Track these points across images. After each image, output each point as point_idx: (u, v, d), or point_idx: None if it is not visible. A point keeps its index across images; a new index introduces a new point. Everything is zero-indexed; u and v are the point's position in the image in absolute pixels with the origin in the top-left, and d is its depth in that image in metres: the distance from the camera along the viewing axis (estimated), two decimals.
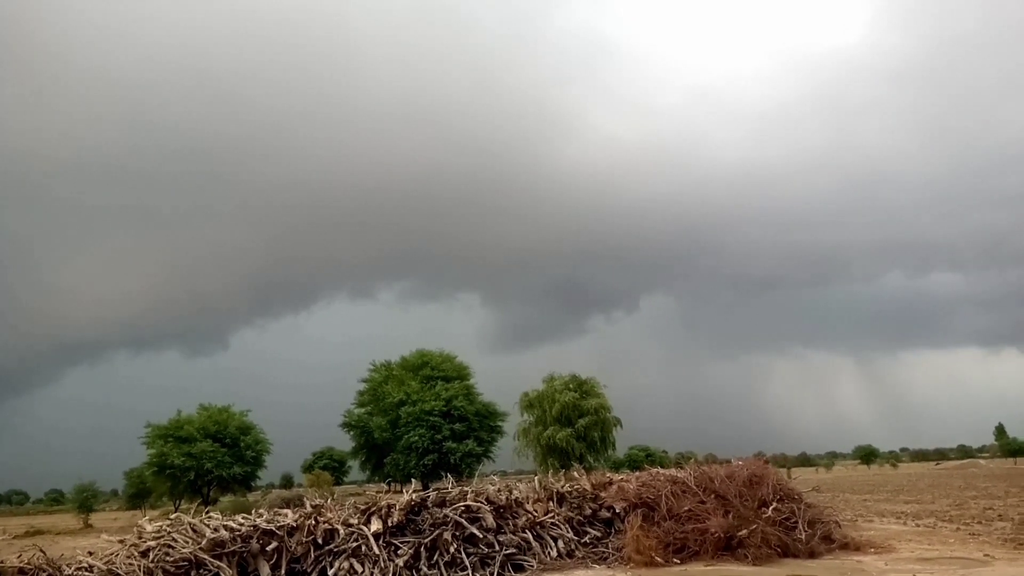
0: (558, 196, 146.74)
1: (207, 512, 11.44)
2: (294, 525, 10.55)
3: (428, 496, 11.45)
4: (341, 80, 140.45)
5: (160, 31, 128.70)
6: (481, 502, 11.38)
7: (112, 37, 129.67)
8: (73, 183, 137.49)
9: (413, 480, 14.34)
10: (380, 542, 10.47)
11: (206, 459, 34.95)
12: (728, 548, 11.08)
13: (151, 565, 9.65)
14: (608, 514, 12.37)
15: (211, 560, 9.72)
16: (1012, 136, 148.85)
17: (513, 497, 11.96)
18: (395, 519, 10.79)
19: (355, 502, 12.00)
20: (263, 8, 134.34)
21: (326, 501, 11.80)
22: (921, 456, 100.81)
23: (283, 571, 10.06)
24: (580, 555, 11.48)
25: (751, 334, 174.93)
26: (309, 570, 10.17)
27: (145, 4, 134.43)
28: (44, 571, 9.95)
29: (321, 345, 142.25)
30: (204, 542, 9.86)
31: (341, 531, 10.56)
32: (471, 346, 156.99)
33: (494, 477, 13.62)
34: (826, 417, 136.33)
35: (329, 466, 58.26)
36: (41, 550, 10.44)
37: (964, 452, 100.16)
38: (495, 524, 11.17)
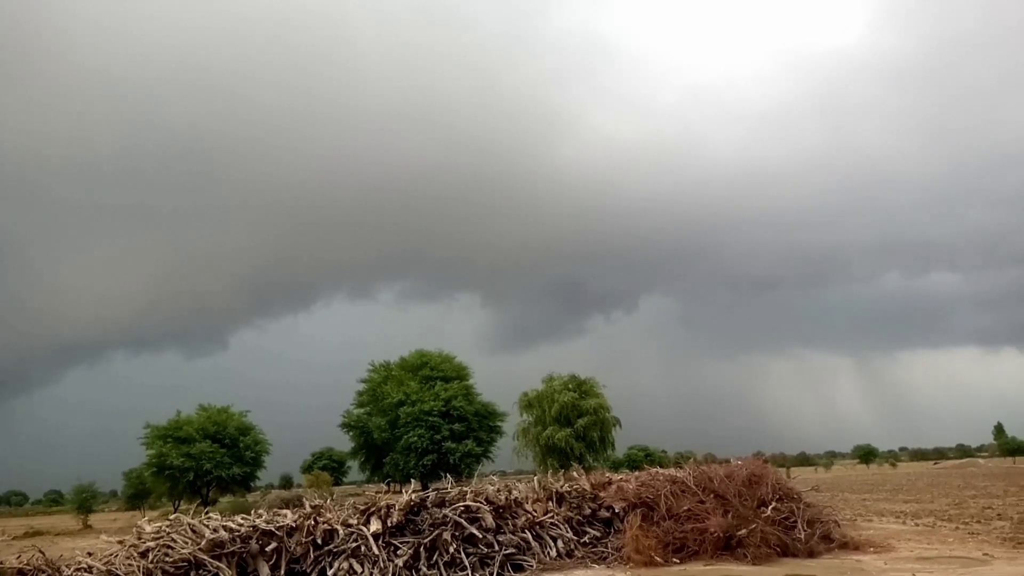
0: (557, 196, 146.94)
1: (206, 513, 11.44)
2: (293, 525, 10.55)
3: (427, 496, 11.45)
4: (340, 80, 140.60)
5: (160, 31, 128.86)
6: (480, 502, 11.38)
7: (112, 37, 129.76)
8: (72, 183, 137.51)
9: (412, 480, 14.34)
10: (379, 542, 10.47)
11: (205, 460, 34.93)
12: (727, 548, 11.08)
13: (150, 566, 9.65)
14: (607, 514, 12.37)
15: (210, 561, 9.72)
16: (1011, 136, 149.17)
17: (512, 497, 11.97)
18: (394, 519, 10.79)
19: (354, 502, 12.01)
20: (262, 8, 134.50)
21: (325, 501, 11.81)
22: (920, 455, 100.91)
23: (282, 571, 10.06)
24: (579, 555, 11.49)
25: (750, 334, 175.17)
26: (308, 570, 10.17)
27: (144, 4, 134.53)
28: (43, 572, 9.96)
29: (320, 345, 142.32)
30: (203, 543, 9.86)
31: (340, 531, 10.56)
32: (470, 346, 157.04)
33: (493, 477, 13.62)
34: (825, 417, 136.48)
35: (328, 466, 58.24)
36: (40, 551, 10.44)
37: (963, 451, 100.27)
38: (494, 524, 11.17)
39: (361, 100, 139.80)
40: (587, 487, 12.89)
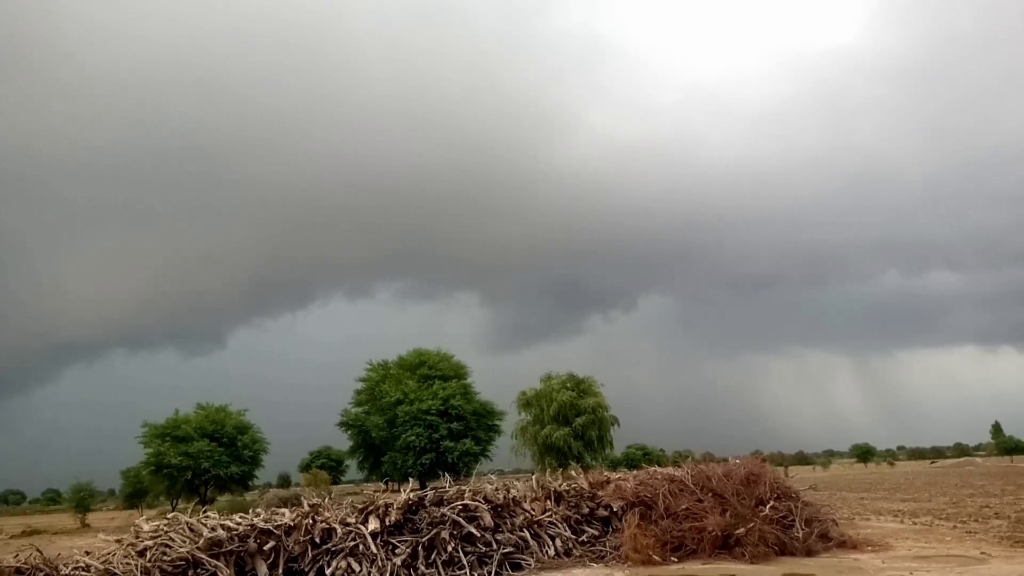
0: (555, 195, 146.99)
1: (204, 511, 11.43)
2: (291, 524, 10.54)
3: (426, 495, 11.45)
4: (338, 79, 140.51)
5: (158, 30, 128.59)
6: (479, 501, 11.39)
7: (111, 36, 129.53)
8: (70, 182, 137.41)
9: (410, 479, 14.34)
10: (378, 541, 10.47)
11: (203, 458, 34.90)
12: (725, 546, 11.10)
13: (148, 565, 9.64)
14: (606, 513, 12.38)
15: (208, 559, 9.71)
16: (1009, 136, 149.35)
17: (511, 496, 11.97)
18: (393, 518, 10.79)
19: (352, 501, 12.00)
20: (261, 7, 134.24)
21: (323, 500, 11.79)
22: (918, 454, 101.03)
23: (281, 570, 10.05)
24: (578, 554, 11.49)
25: (748, 333, 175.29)
26: (307, 569, 10.16)
27: (144, 4, 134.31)
28: (41, 571, 9.94)
29: (318, 344, 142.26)
30: (201, 541, 9.85)
31: (339, 530, 10.56)
32: (468, 345, 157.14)
33: (492, 476, 13.62)
34: (823, 416, 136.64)
35: (326, 465, 58.22)
36: (38, 550, 10.42)
37: (961, 450, 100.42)
38: (493, 523, 11.17)
39: (359, 99, 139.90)
40: (585, 486, 12.90)
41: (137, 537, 10.41)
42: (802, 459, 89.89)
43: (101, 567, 9.76)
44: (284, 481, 65.58)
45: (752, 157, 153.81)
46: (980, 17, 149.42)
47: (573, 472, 14.20)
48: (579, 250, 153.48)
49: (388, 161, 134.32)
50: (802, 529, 11.45)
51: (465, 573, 10.39)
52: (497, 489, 12.10)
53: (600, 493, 12.71)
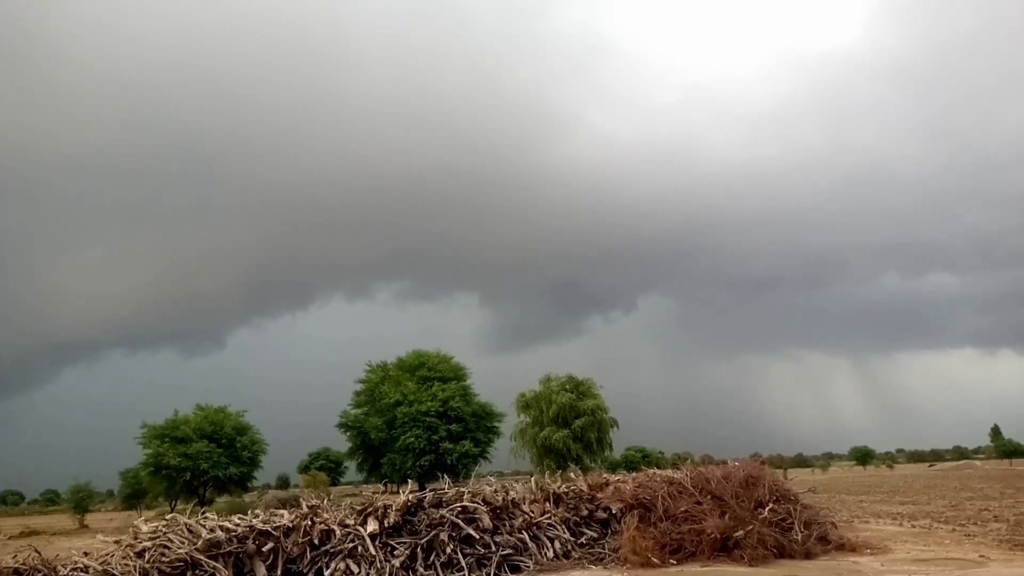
0: (555, 196, 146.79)
1: (203, 513, 11.42)
2: (290, 526, 10.54)
3: (424, 497, 11.44)
4: (337, 79, 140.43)
5: (158, 30, 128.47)
6: (478, 503, 11.38)
7: (110, 36, 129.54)
8: (69, 181, 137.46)
9: (410, 481, 14.34)
10: (376, 543, 10.46)
11: (202, 459, 34.92)
12: (724, 549, 11.09)
13: (147, 566, 9.63)
14: (604, 515, 12.37)
15: (207, 561, 9.71)
16: (1010, 137, 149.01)
17: (510, 498, 11.96)
18: (391, 520, 10.78)
19: (351, 503, 11.99)
20: (260, 7, 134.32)
21: (322, 502, 11.79)
22: (917, 457, 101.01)
23: (279, 572, 10.04)
24: (576, 556, 11.48)
25: (747, 335, 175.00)
26: (305, 571, 10.16)
27: (143, 3, 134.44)
28: (39, 572, 9.94)
29: (318, 345, 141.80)
30: (200, 543, 9.85)
31: (337, 532, 10.56)
32: (468, 346, 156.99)
33: (491, 478, 13.61)
34: (822, 418, 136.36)
35: (325, 467, 58.32)
36: (36, 550, 10.43)
37: (960, 453, 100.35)
38: (492, 525, 11.16)
39: (359, 99, 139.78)
40: (584, 488, 12.89)
41: (136, 538, 10.41)
42: (801, 461, 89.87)
43: (99, 568, 9.76)
44: (283, 482, 65.53)
45: (752, 158, 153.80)
46: (980, 18, 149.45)
47: (572, 474, 14.18)
48: (579, 251, 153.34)
49: (388, 161, 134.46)
50: (801, 532, 11.45)
51: (464, 575, 10.39)
52: (496, 491, 12.09)
53: (599, 495, 12.70)
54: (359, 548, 10.36)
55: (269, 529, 10.35)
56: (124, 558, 9.89)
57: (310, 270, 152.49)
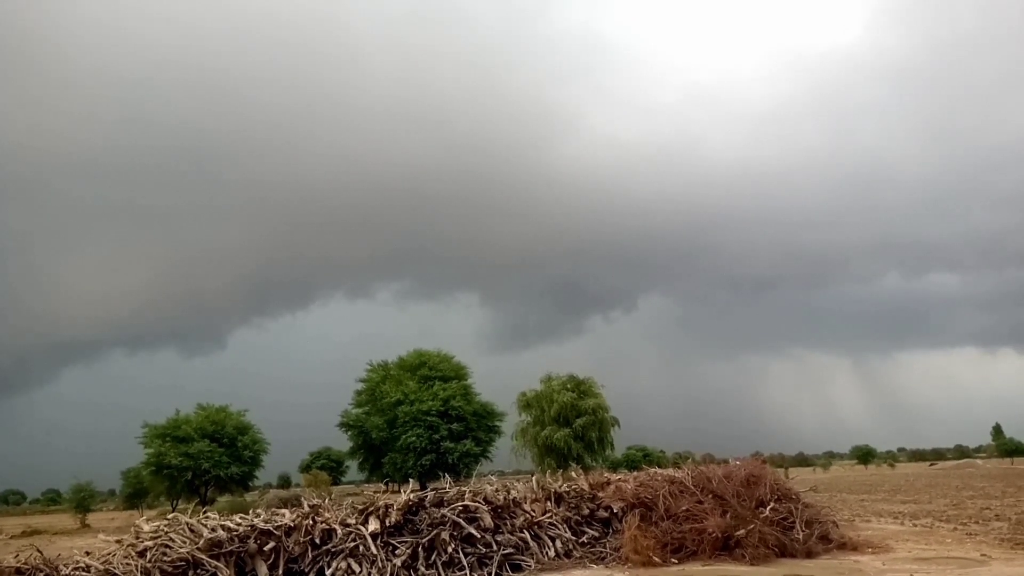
0: (556, 196, 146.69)
1: (204, 512, 11.43)
2: (292, 525, 10.54)
3: (426, 496, 11.45)
4: (338, 79, 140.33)
5: (158, 29, 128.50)
6: (479, 502, 11.38)
7: (111, 35, 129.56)
8: (70, 181, 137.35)
9: (411, 480, 14.34)
10: (378, 542, 10.47)
11: (203, 459, 34.92)
12: (726, 548, 11.09)
13: (148, 565, 9.64)
14: (606, 514, 12.37)
15: (208, 560, 9.71)
16: (1010, 136, 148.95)
17: (511, 497, 11.97)
18: (393, 519, 10.79)
19: (353, 502, 12.00)
20: (261, 7, 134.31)
21: (324, 501, 11.79)
22: (918, 456, 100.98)
23: (281, 571, 10.05)
24: (578, 555, 11.49)
25: (748, 334, 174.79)
26: (307, 570, 10.17)
27: (143, 3, 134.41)
28: (41, 571, 9.94)
29: (318, 345, 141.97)
30: (201, 542, 9.85)
31: (339, 531, 10.56)
32: (469, 346, 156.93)
33: (492, 477, 13.62)
34: (823, 417, 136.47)
35: (327, 466, 58.24)
36: (38, 550, 10.43)
37: (961, 452, 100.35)
38: (493, 524, 11.17)
39: (360, 99, 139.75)
40: (585, 487, 12.89)
41: (137, 537, 10.42)
42: (802, 460, 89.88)
43: (101, 567, 9.76)
44: (284, 482, 65.59)
45: (752, 157, 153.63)
46: (981, 18, 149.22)
47: (573, 473, 14.19)
48: (579, 250, 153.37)
49: (388, 161, 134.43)
50: (802, 531, 11.45)
51: (465, 574, 10.39)
52: (497, 490, 12.10)
53: (600, 494, 12.71)
54: (360, 547, 10.36)
55: (271, 528, 10.35)
56: (126, 557, 9.89)
57: (311, 270, 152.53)
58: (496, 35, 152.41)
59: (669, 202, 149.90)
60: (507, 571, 10.81)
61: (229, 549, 9.92)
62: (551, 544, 11.53)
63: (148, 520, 11.29)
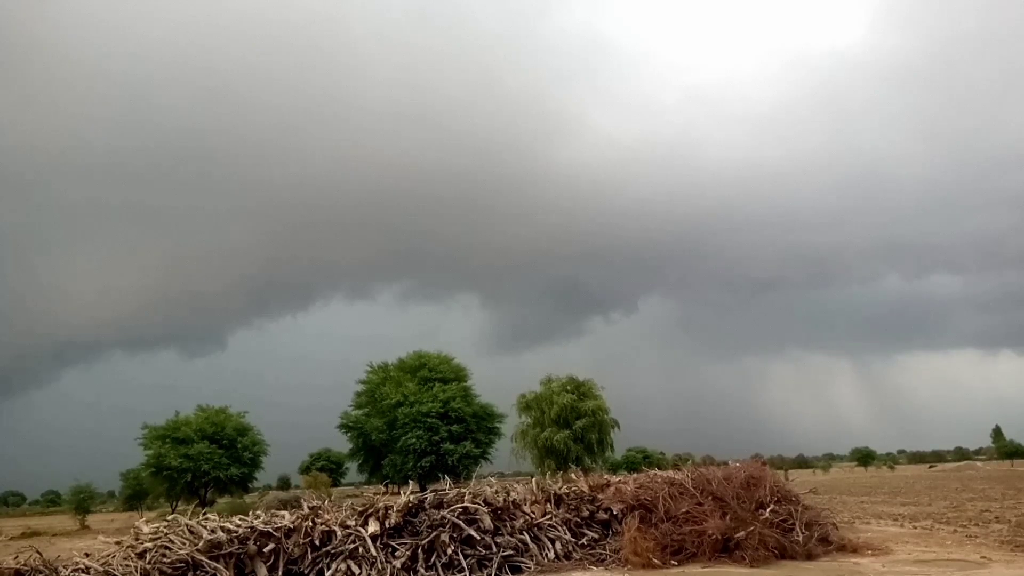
0: (556, 197, 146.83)
1: (204, 514, 11.43)
2: (291, 527, 10.54)
3: (425, 498, 11.44)
4: (339, 79, 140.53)
5: (159, 30, 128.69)
6: (479, 504, 11.38)
7: (111, 35, 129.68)
8: (70, 181, 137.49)
9: (411, 482, 14.34)
10: (377, 544, 10.47)
11: (203, 460, 34.89)
12: (725, 550, 11.09)
13: (148, 567, 9.63)
14: (605, 516, 12.37)
15: (208, 562, 9.71)
16: (1012, 138, 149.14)
17: (511, 499, 11.96)
18: (392, 521, 10.79)
19: (352, 504, 12.00)
20: (261, 7, 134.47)
21: (323, 503, 11.79)
22: (918, 458, 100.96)
23: (280, 573, 10.05)
24: (577, 557, 11.48)
25: (749, 336, 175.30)
26: (306, 572, 10.16)
27: (143, 3, 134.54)
28: (41, 572, 9.95)
29: (318, 346, 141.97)
30: (201, 544, 9.85)
31: (338, 533, 10.56)
32: (469, 347, 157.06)
33: (492, 479, 13.62)
34: (823, 419, 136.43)
35: (326, 467, 58.22)
36: (38, 551, 10.43)
37: (961, 454, 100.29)
38: (493, 526, 11.16)
39: (360, 100, 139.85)
40: (585, 489, 12.89)
41: (137, 539, 10.42)
42: (802, 462, 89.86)
43: (101, 569, 9.76)
44: (284, 483, 65.43)
45: (753, 158, 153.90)
46: (982, 19, 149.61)
47: (573, 475, 14.18)
48: (580, 252, 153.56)
49: (389, 162, 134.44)
50: (802, 533, 11.44)
51: None
52: (497, 492, 12.10)
53: (600, 496, 12.71)
54: (360, 549, 10.36)
55: (270, 530, 10.35)
56: (125, 559, 9.89)
57: (311, 271, 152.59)
58: (497, 36, 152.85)
59: (670, 203, 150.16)
60: (507, 573, 10.80)
61: (229, 551, 9.92)
62: (551, 546, 11.52)
63: (148, 521, 11.29)
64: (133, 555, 9.94)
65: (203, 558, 9.72)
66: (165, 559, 9.74)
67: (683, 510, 11.72)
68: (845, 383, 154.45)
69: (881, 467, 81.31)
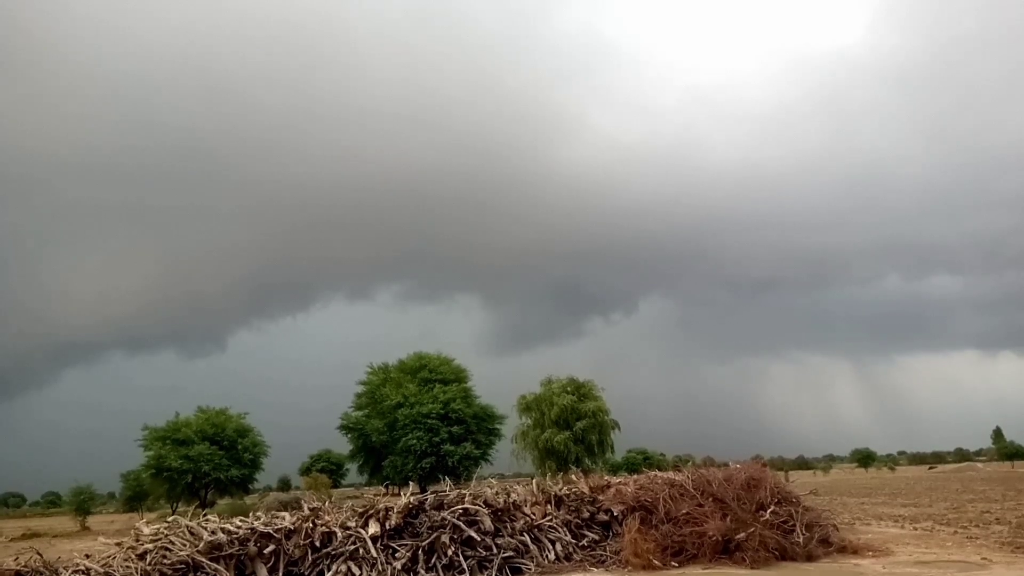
0: (557, 197, 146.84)
1: (204, 515, 11.43)
2: (292, 528, 10.54)
3: (426, 499, 11.44)
4: (339, 79, 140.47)
5: (159, 30, 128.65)
6: (479, 505, 11.38)
7: (111, 36, 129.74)
8: (70, 182, 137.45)
9: (411, 483, 14.33)
10: (378, 545, 10.47)
11: (203, 462, 34.90)
12: (726, 551, 11.09)
13: (148, 568, 9.63)
14: (606, 517, 12.37)
15: (208, 563, 9.71)
16: (1012, 138, 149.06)
17: (511, 500, 11.96)
18: (393, 522, 10.79)
19: (353, 505, 12.00)
20: (262, 7, 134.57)
21: (324, 504, 11.80)
22: (919, 459, 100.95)
23: (280, 574, 10.05)
24: (578, 558, 11.48)
25: (749, 336, 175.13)
26: (307, 573, 10.17)
27: (144, 3, 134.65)
28: (41, 574, 9.95)
29: (319, 347, 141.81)
30: (201, 545, 9.85)
31: (339, 534, 10.56)
32: (469, 348, 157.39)
33: (492, 480, 13.62)
34: (823, 420, 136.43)
35: (327, 469, 58.14)
36: (38, 553, 10.43)
37: (961, 455, 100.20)
38: (493, 527, 11.16)
39: (361, 100, 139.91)
40: (585, 490, 12.89)
41: (137, 540, 10.42)
42: (802, 464, 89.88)
43: (101, 570, 9.76)
44: (284, 484, 65.43)
45: (753, 159, 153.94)
46: (982, 19, 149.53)
47: (573, 476, 14.17)
48: (580, 252, 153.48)
49: (389, 162, 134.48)
50: (803, 534, 11.44)
51: None
52: (497, 493, 12.10)
53: (600, 497, 12.70)
54: (360, 550, 10.36)
55: (270, 531, 10.35)
56: (126, 560, 9.89)
57: (311, 271, 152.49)
58: (497, 36, 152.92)
59: (670, 204, 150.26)
60: (507, 574, 10.80)
61: (229, 552, 9.92)
62: (551, 547, 11.52)
63: (148, 523, 11.29)
64: (133, 556, 9.94)
65: (203, 559, 9.72)
66: (165, 560, 9.74)
67: (683, 511, 11.71)
68: (845, 384, 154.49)
69: (881, 468, 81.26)
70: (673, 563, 10.89)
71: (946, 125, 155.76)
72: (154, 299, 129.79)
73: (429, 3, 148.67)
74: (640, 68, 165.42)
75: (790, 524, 11.64)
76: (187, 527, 10.39)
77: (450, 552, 10.54)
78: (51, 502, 79.16)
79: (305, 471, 58.52)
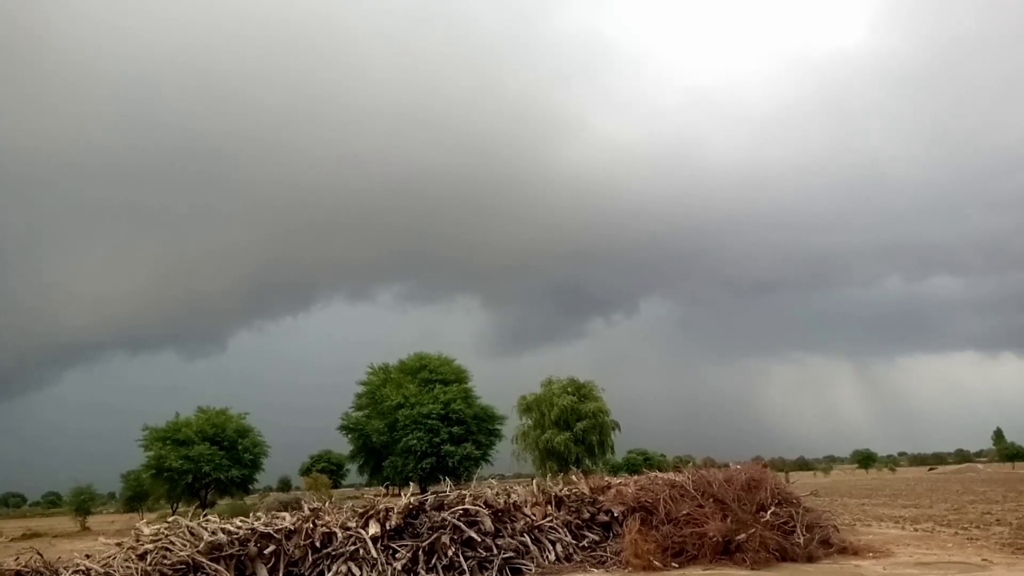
0: (557, 198, 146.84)
1: (204, 515, 11.43)
2: (292, 528, 10.55)
3: (426, 499, 11.44)
4: (339, 80, 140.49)
5: (160, 30, 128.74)
6: (479, 506, 11.38)
7: (112, 35, 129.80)
8: (71, 182, 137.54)
9: (411, 483, 14.33)
10: (378, 545, 10.47)
11: (204, 462, 34.91)
12: (726, 552, 11.09)
13: (148, 568, 9.63)
14: (606, 518, 12.37)
15: (209, 563, 9.71)
16: (1013, 139, 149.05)
17: (511, 501, 11.96)
18: (393, 522, 10.79)
19: (353, 505, 12.00)
20: (262, 7, 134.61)
21: (324, 504, 11.80)
22: (919, 460, 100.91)
23: (281, 574, 10.05)
24: (578, 559, 11.48)
25: (749, 337, 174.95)
26: (307, 573, 10.17)
27: (144, 3, 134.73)
28: (41, 574, 9.95)
29: (319, 347, 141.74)
30: (202, 545, 9.85)
31: (339, 534, 10.56)
32: (469, 349, 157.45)
33: (492, 480, 13.62)
34: (824, 421, 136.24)
35: (327, 469, 58.16)
36: (38, 553, 10.44)
37: (962, 456, 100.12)
38: (493, 528, 11.17)
39: (361, 100, 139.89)
40: (586, 491, 12.89)
41: (137, 541, 10.42)
42: (803, 464, 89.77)
43: (101, 570, 9.76)
44: (284, 485, 65.43)
45: (754, 160, 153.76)
46: (983, 20, 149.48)
47: (574, 477, 14.17)
48: (581, 253, 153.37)
49: (389, 163, 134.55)
50: (803, 535, 11.43)
51: None
52: (498, 494, 12.10)
53: (601, 498, 12.70)
54: (361, 551, 10.36)
55: (271, 532, 10.35)
56: (126, 560, 9.89)
57: (311, 272, 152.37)
58: (498, 37, 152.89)
59: (671, 204, 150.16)
60: (507, 575, 10.80)
61: (229, 552, 9.92)
62: (551, 548, 11.52)
63: (148, 523, 11.29)
64: (134, 557, 9.95)
65: (204, 560, 9.72)
66: (166, 561, 9.74)
67: (684, 512, 11.71)
68: (846, 385, 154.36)
69: (882, 469, 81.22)
70: (673, 564, 10.89)
71: (946, 125, 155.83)
72: (154, 299, 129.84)
73: (429, 3, 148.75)
74: (640, 68, 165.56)
75: (790, 525, 11.64)
76: (187, 527, 10.39)
77: (450, 553, 10.54)
78: (51, 502, 79.24)
79: (305, 471, 58.55)
